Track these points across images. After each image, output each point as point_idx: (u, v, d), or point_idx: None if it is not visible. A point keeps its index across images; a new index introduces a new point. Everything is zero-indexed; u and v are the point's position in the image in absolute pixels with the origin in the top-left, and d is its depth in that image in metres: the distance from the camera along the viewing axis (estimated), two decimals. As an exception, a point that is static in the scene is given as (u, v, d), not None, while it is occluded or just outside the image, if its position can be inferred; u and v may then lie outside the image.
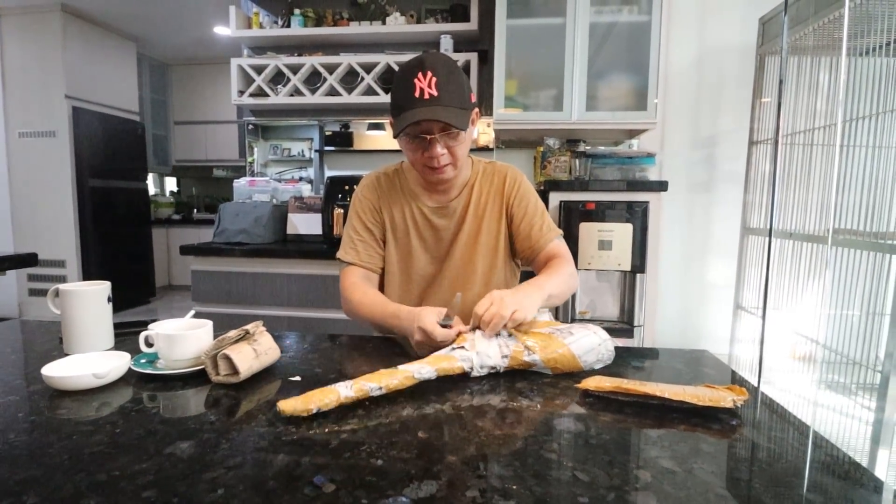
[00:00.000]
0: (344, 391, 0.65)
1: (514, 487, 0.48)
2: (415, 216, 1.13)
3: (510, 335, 0.80)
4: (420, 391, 0.71)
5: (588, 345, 0.79)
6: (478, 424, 0.61)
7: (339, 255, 1.16)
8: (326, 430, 0.59)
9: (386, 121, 3.18)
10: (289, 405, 0.61)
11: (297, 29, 2.82)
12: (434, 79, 0.92)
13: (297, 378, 0.77)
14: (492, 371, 0.78)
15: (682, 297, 2.60)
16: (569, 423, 0.62)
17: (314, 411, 0.62)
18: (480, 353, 0.76)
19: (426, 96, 0.92)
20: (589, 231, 2.04)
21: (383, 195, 1.15)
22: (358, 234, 1.14)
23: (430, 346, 0.83)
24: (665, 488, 0.48)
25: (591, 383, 0.68)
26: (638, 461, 0.53)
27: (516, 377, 0.77)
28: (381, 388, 0.68)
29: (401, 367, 0.72)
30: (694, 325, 2.61)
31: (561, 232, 1.15)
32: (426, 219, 1.13)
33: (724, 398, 0.61)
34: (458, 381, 0.75)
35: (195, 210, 5.99)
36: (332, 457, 0.53)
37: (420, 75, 0.93)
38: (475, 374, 0.76)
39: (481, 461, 0.53)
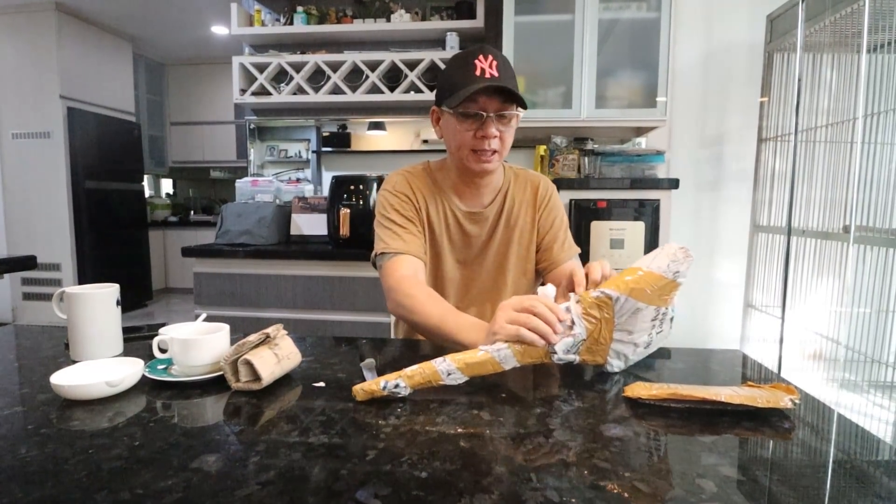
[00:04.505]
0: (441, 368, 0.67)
1: (573, 501, 0.44)
2: (447, 217, 1.10)
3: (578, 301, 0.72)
4: (451, 397, 0.68)
5: (663, 258, 0.70)
6: (520, 431, 0.58)
7: (380, 248, 1.04)
8: (360, 439, 0.56)
9: (388, 119, 3.14)
10: (359, 389, 0.66)
11: (299, 26, 2.78)
12: (495, 62, 0.95)
13: (321, 384, 0.73)
14: (575, 341, 0.70)
15: (689, 295, 2.58)
16: (615, 429, 0.59)
17: (383, 386, 0.65)
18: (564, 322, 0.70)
19: (487, 75, 0.93)
20: (600, 230, 2.01)
21: (418, 189, 1.09)
22: (399, 225, 1.05)
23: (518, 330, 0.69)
24: (734, 499, 0.45)
25: (641, 391, 0.63)
26: (697, 469, 0.50)
27: (551, 379, 0.74)
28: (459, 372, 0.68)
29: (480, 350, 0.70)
30: (702, 324, 2.59)
31: (579, 250, 1.14)
32: (458, 222, 1.10)
33: (781, 398, 0.58)
34: (489, 385, 0.72)
35: (192, 212, 5.92)
36: (371, 469, 0.49)
37: (481, 57, 0.94)
38: (557, 358, 0.70)
39: (532, 472, 0.49)
